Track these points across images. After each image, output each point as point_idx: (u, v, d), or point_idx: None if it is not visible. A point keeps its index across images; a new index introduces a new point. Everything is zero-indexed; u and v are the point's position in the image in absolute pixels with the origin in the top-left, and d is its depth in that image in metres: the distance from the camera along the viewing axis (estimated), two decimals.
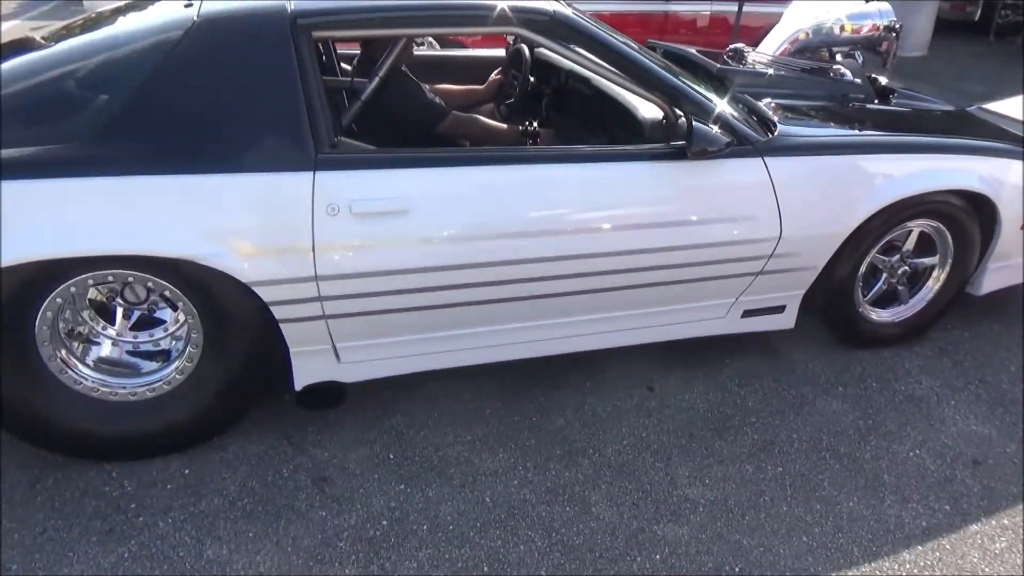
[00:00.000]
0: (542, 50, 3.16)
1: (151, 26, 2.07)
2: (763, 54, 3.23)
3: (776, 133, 2.36)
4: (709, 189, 2.26)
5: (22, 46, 2.31)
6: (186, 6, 2.11)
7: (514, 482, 2.14)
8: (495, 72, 3.33)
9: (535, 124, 2.85)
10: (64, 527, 1.95)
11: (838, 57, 3.31)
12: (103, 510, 2.00)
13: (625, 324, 2.45)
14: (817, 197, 2.39)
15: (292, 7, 2.02)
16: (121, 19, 2.42)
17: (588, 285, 2.26)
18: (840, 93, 2.99)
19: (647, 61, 2.28)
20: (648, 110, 2.40)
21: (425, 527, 1.98)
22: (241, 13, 2.02)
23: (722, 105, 2.33)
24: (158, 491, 2.07)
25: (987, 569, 1.91)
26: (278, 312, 2.03)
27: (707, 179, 2.25)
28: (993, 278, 2.86)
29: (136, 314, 2.18)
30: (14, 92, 1.95)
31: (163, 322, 2.20)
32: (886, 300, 2.80)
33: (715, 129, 2.18)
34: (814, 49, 3.27)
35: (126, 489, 2.07)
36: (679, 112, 2.27)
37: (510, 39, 3.40)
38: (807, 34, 3.21)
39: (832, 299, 2.65)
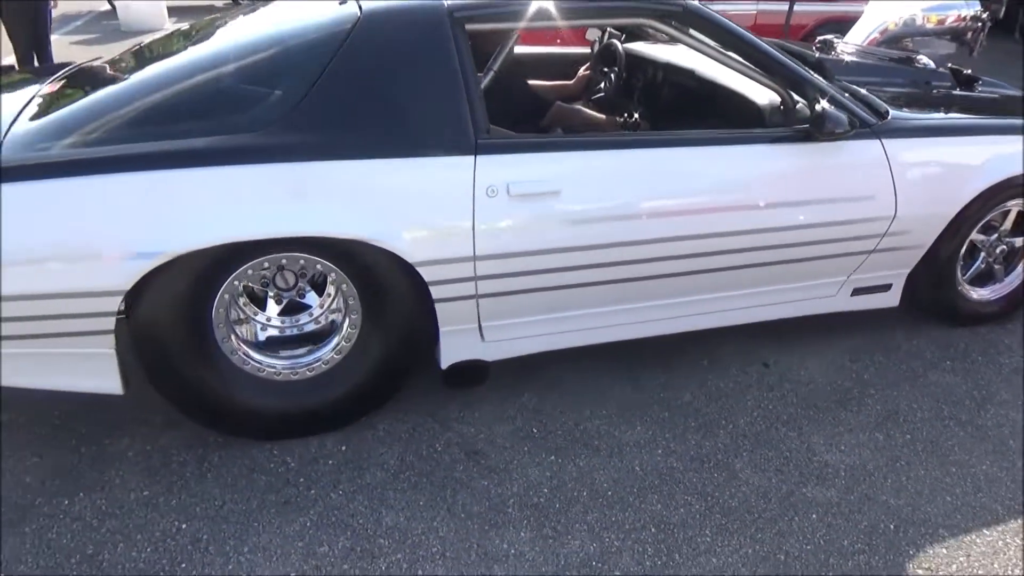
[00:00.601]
0: (631, 46, 3.28)
1: (315, 23, 2.17)
2: (851, 44, 3.34)
3: (889, 117, 2.47)
4: (832, 169, 2.37)
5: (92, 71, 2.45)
6: (341, 3, 2.21)
7: (658, 451, 2.23)
8: (583, 68, 3.44)
9: (636, 116, 2.96)
10: (242, 499, 2.03)
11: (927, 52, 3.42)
12: (274, 484, 2.09)
13: (745, 303, 2.54)
14: (930, 177, 2.49)
15: (448, 2, 2.12)
16: (255, 18, 2.54)
17: (717, 264, 2.35)
18: (924, 80, 3.11)
19: (771, 49, 2.38)
20: (763, 97, 2.50)
21: (585, 493, 2.07)
22: (403, 8, 2.13)
23: (838, 91, 2.43)
24: (321, 466, 2.16)
25: None
26: (435, 291, 2.12)
27: (830, 160, 2.36)
28: None
29: (286, 300, 2.27)
30: (191, 87, 2.06)
31: (309, 307, 2.29)
32: (981, 279, 2.90)
33: (837, 112, 2.29)
34: (899, 39, 3.38)
35: (290, 465, 2.16)
36: (797, 97, 2.38)
37: (594, 36, 3.52)
38: (895, 24, 3.31)
39: (934, 278, 2.74)
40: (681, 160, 2.26)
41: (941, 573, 1.85)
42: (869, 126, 2.39)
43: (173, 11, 10.17)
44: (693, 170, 2.27)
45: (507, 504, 2.03)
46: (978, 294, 2.87)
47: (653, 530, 1.96)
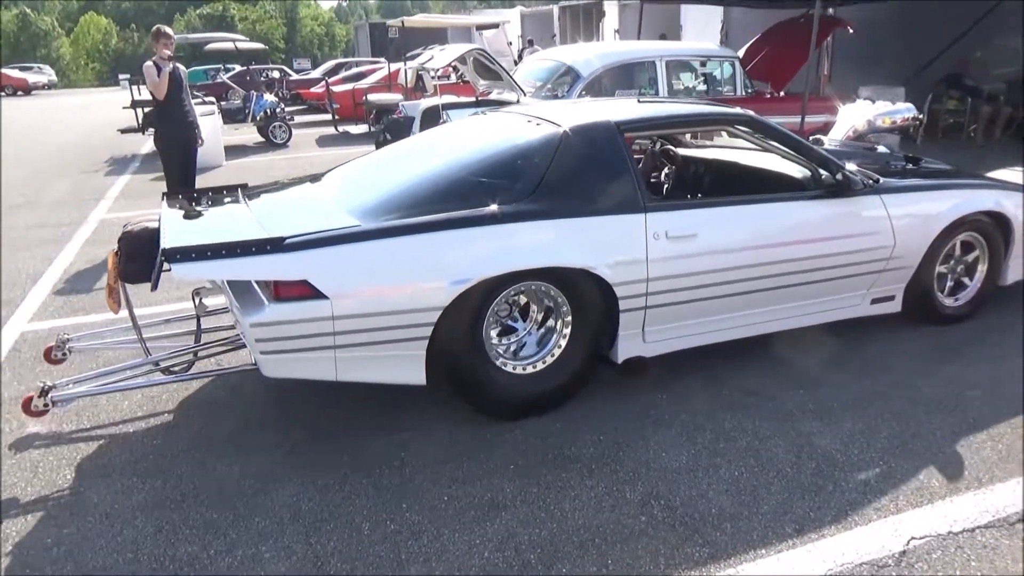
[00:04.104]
0: (678, 149, 4.59)
1: (533, 137, 3.34)
2: (833, 140, 4.97)
3: (881, 181, 3.77)
4: (853, 215, 3.63)
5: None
6: (537, 124, 3.44)
7: (769, 404, 3.29)
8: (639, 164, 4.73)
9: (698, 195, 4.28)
10: (532, 457, 2.96)
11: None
12: (543, 446, 3.02)
13: (807, 310, 3.71)
14: (912, 218, 3.78)
15: (614, 119, 3.38)
16: (470, 132, 3.84)
17: (789, 282, 3.52)
18: (886, 161, 4.57)
19: (805, 141, 3.75)
20: (797, 172, 3.80)
21: (750, 437, 3.10)
22: (590, 123, 3.34)
23: (849, 166, 3.74)
24: (555, 438, 3.10)
25: None
26: (622, 304, 3.18)
27: (851, 209, 3.64)
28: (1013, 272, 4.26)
29: (502, 325, 3.24)
30: (469, 177, 3.22)
31: (517, 330, 3.29)
32: (952, 292, 4.13)
33: (855, 178, 3.61)
34: (864, 136, 5.03)
35: (529, 437, 3.10)
36: (823, 171, 3.64)
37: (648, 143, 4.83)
38: (862, 126, 4.99)
39: (921, 291, 3.96)
40: (765, 211, 3.48)
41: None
42: (871, 187, 3.71)
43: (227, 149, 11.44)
44: (772, 217, 3.47)
45: (699, 437, 3.06)
46: (949, 302, 4.13)
47: (795, 434, 3.02)
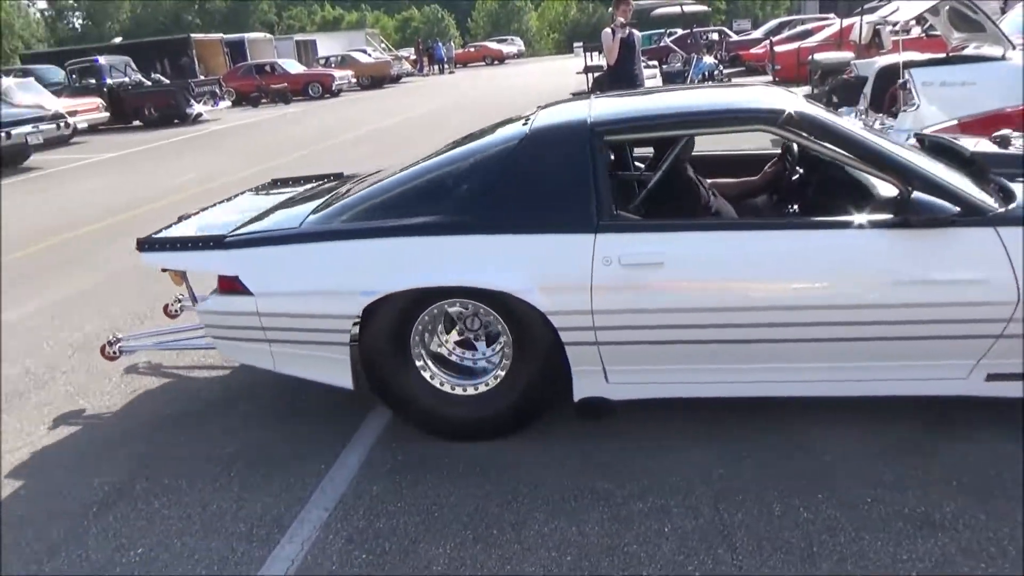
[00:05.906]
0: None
1: (498, 138, 3.07)
2: None
3: (1014, 205, 2.51)
4: (930, 254, 2.49)
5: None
6: (524, 124, 3.05)
7: None
8: (769, 164, 3.70)
9: (795, 207, 3.37)
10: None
11: None
12: (977, 472, 2.57)
13: (856, 375, 2.69)
14: None
15: (591, 119, 2.82)
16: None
17: (822, 335, 2.59)
18: None
19: (877, 144, 2.56)
20: (880, 186, 2.73)
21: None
22: (557, 125, 2.95)
23: (956, 180, 2.57)
24: (1009, 459, 2.58)
25: None
26: (563, 336, 2.69)
27: (934, 245, 2.48)
28: None
29: (465, 335, 3.00)
30: (420, 184, 3.02)
31: (476, 349, 3.01)
32: None
33: (941, 201, 2.44)
34: None
35: (985, 450, 2.62)
36: (911, 188, 2.51)
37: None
38: None
39: None
40: (767, 239, 2.62)
41: None
42: (983, 214, 2.47)
43: None
44: (780, 248, 2.60)
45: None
46: None
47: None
